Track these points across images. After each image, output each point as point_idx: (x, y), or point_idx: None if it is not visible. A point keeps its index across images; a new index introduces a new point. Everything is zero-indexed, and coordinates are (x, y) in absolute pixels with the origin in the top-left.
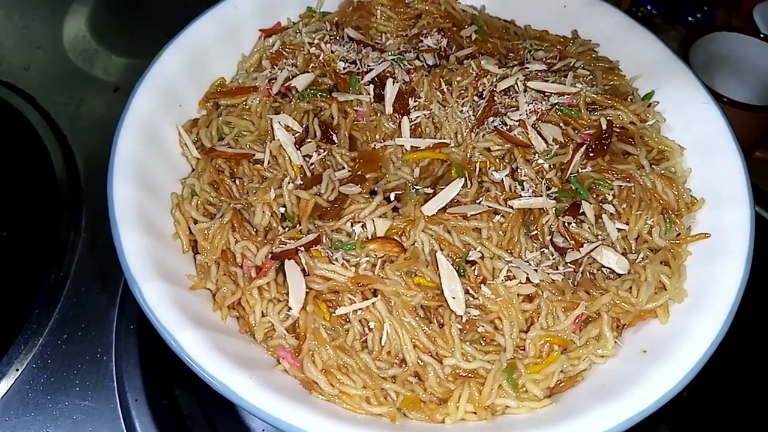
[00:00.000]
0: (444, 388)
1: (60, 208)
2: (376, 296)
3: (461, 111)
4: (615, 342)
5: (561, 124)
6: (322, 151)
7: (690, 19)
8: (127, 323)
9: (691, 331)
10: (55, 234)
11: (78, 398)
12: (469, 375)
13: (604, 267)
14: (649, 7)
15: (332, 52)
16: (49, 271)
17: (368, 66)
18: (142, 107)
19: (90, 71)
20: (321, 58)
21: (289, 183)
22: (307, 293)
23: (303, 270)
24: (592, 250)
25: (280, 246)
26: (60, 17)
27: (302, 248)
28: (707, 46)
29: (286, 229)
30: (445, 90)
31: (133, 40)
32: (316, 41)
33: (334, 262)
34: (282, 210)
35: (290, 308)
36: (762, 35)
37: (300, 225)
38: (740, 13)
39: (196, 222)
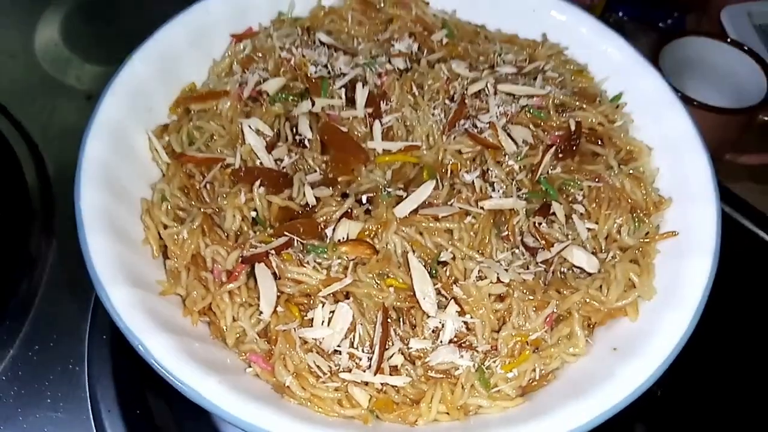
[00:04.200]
0: (416, 389)
1: (31, 218)
2: (348, 298)
3: (433, 114)
4: (586, 340)
5: (531, 126)
6: (293, 154)
7: (661, 25)
8: (99, 333)
9: (660, 328)
10: (26, 243)
11: (50, 410)
12: (442, 376)
13: (574, 266)
14: (620, 14)
15: (303, 56)
16: (20, 281)
17: (340, 69)
18: (111, 112)
19: (62, 79)
20: (292, 62)
21: (260, 186)
22: (278, 297)
23: (274, 273)
24: (562, 250)
25: (251, 250)
26: (32, 25)
27: (273, 252)
28: (677, 51)
29: (257, 233)
30: (417, 93)
31: (106, 47)
32: (287, 46)
33: (305, 265)
34: (253, 214)
35: (261, 312)
36: (730, 40)
37: (271, 228)
38: (710, 19)
39: (166, 227)
